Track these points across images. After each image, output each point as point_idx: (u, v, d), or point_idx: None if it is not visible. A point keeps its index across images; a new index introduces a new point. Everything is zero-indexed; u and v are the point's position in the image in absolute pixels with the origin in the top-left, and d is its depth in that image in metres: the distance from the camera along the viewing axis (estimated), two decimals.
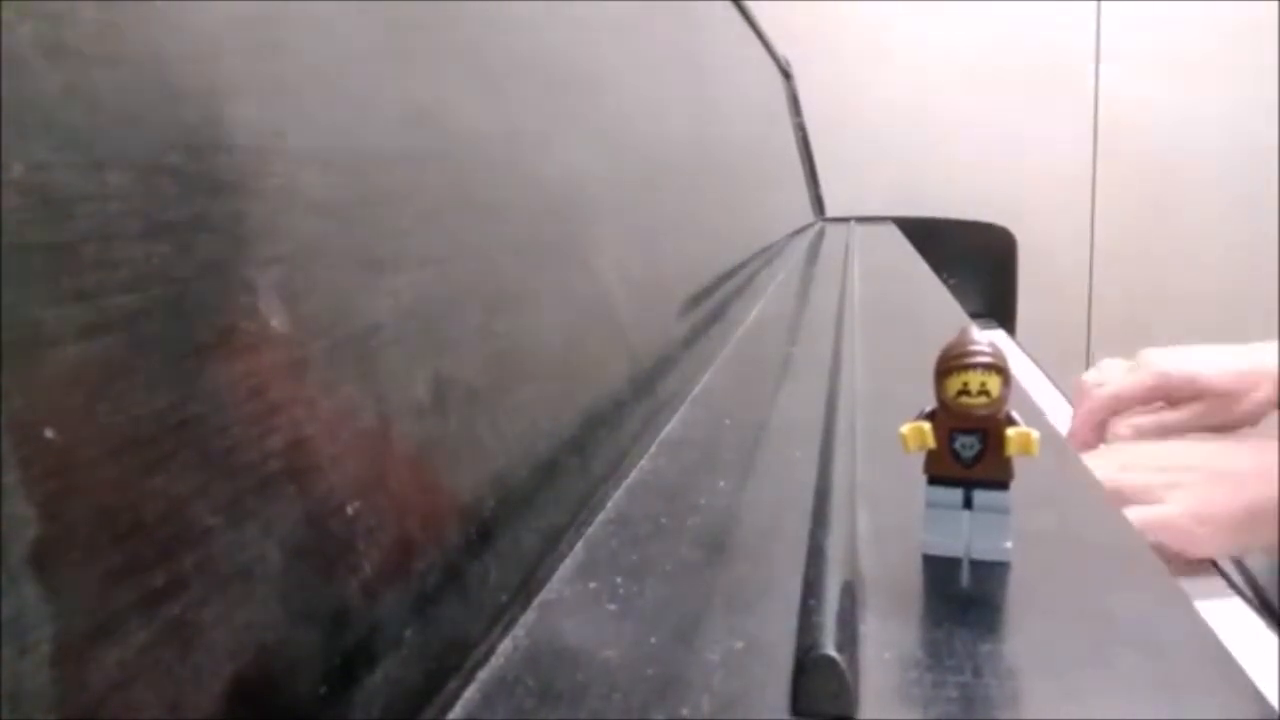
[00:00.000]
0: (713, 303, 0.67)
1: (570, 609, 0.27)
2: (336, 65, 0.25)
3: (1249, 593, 0.61)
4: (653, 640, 0.25)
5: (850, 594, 0.26)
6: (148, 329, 0.17)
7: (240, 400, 0.18)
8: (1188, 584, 0.60)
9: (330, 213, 0.23)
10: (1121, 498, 0.61)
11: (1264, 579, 0.65)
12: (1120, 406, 0.79)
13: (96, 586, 0.15)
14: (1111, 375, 0.81)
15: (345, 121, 0.25)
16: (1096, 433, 0.79)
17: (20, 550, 0.14)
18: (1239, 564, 0.65)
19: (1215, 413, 0.74)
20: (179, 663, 0.16)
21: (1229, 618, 0.56)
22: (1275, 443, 0.63)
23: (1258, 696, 0.23)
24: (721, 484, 0.37)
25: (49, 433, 0.14)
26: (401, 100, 0.28)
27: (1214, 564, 0.63)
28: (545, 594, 0.28)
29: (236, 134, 0.20)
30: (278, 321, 0.20)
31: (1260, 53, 1.94)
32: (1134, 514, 0.60)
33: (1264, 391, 0.75)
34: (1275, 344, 0.76)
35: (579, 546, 0.31)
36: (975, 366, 0.28)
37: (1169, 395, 0.77)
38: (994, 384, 0.28)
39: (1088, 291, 2.09)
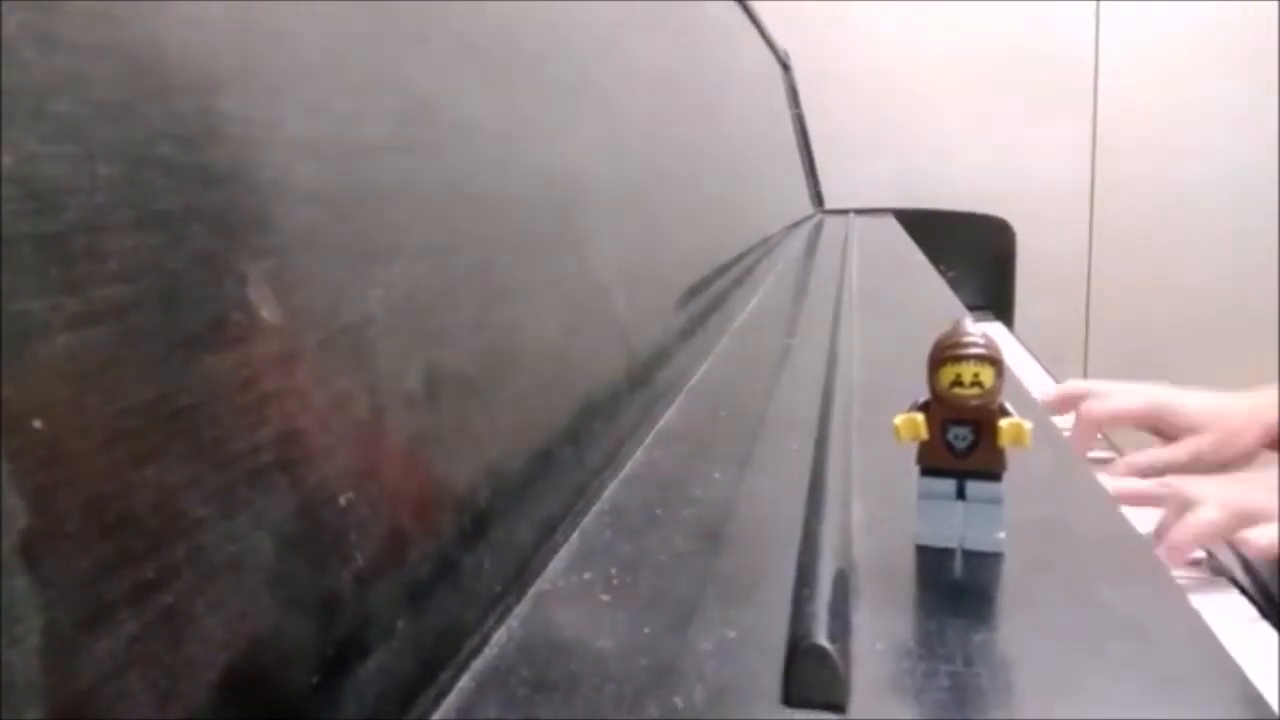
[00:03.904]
0: (710, 294, 0.67)
1: (565, 599, 0.27)
2: (330, 57, 0.25)
3: (1249, 585, 0.60)
4: (646, 630, 0.25)
5: (843, 584, 0.26)
6: (138, 320, 0.17)
7: (232, 392, 0.18)
8: (1182, 575, 0.60)
9: (323, 204, 0.23)
10: (1249, 515, 0.61)
11: (1265, 572, 0.64)
12: (1115, 422, 0.84)
13: (87, 577, 0.15)
14: (1110, 392, 0.85)
15: (339, 113, 0.25)
16: (1089, 439, 0.83)
17: (10, 541, 0.14)
18: (1241, 557, 0.65)
19: (1206, 455, 0.79)
20: (170, 653, 0.16)
21: (1227, 612, 0.56)
22: None
23: (1251, 690, 0.23)
24: (717, 475, 0.37)
25: (38, 424, 0.14)
26: (396, 92, 0.28)
27: (1210, 555, 0.63)
28: (540, 584, 0.28)
29: (228, 125, 0.20)
30: (269, 313, 0.20)
31: (1260, 50, 1.94)
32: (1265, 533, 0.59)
33: (1250, 436, 0.79)
34: (1263, 391, 0.80)
35: (574, 537, 0.31)
36: (968, 358, 0.28)
37: (1161, 425, 0.82)
38: (987, 375, 0.28)
39: (1086, 285, 2.09)
